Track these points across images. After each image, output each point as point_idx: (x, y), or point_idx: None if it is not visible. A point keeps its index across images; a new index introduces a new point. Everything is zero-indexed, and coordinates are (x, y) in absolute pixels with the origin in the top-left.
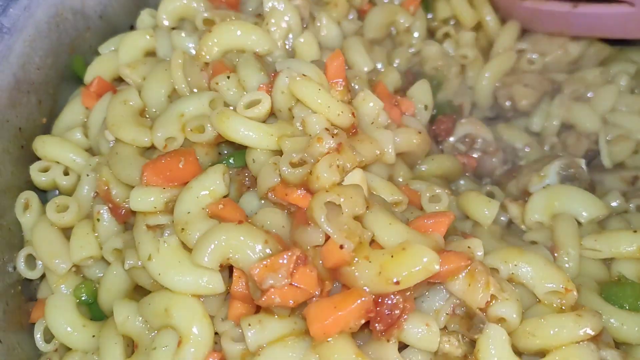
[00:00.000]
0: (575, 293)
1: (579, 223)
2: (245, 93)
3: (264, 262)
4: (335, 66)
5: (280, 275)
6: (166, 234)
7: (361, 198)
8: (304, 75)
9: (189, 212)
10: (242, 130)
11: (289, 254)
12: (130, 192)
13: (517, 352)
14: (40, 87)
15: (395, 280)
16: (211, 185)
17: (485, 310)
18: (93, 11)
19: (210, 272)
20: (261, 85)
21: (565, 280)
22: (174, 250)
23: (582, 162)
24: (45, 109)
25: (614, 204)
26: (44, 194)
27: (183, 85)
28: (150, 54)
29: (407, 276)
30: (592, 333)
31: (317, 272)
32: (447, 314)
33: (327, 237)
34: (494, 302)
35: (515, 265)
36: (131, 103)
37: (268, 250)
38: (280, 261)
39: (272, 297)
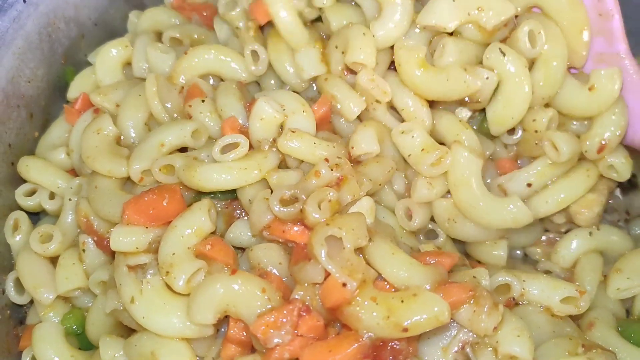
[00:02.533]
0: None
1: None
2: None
3: (266, 319)
4: (322, 113)
5: (284, 332)
6: (149, 275)
7: (363, 229)
8: (292, 131)
9: (174, 254)
10: (216, 177)
11: (291, 307)
12: (111, 232)
13: None
14: (32, 101)
15: (405, 326)
16: (196, 223)
17: (496, 347)
18: (87, 18)
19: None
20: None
21: (577, 285)
22: (158, 292)
23: (617, 191)
24: (37, 122)
25: (638, 231)
26: (35, 214)
27: (162, 114)
28: (130, 63)
29: (416, 323)
30: None
31: (323, 320)
32: (455, 351)
33: (328, 274)
34: (501, 331)
35: (524, 281)
36: (105, 132)
37: (266, 298)
38: (283, 319)
39: (282, 354)
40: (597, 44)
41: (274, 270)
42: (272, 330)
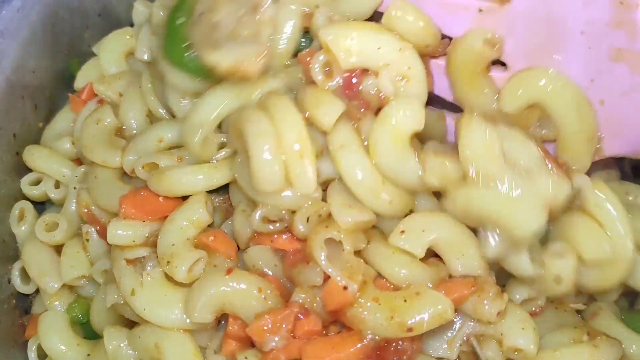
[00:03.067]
0: None
1: None
2: None
3: (262, 322)
4: None
5: (279, 338)
6: (149, 267)
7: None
8: None
9: (173, 245)
10: (185, 182)
11: (287, 312)
12: (108, 225)
13: None
14: (36, 91)
15: (409, 325)
16: (194, 215)
17: (501, 340)
18: (91, 9)
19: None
20: None
21: None
22: (159, 283)
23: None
24: (42, 113)
25: None
26: (41, 203)
27: (159, 109)
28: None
29: (421, 322)
30: None
31: (321, 321)
32: (459, 344)
33: (327, 276)
34: (504, 320)
35: None
36: (105, 123)
37: (263, 297)
38: (279, 324)
39: (278, 357)
40: (616, 38)
41: (270, 272)
42: (268, 334)
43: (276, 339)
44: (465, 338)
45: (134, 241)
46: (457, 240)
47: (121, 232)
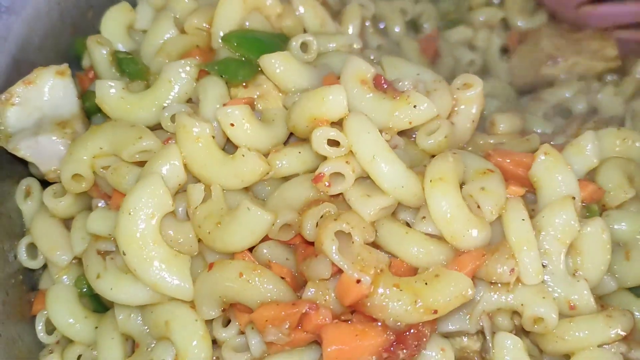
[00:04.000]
0: None
1: None
2: None
3: (265, 314)
4: None
5: (280, 335)
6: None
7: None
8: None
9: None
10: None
11: (295, 310)
12: (90, 214)
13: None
14: None
15: (434, 308)
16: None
17: (521, 311)
18: None
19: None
20: None
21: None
22: (122, 265)
23: None
24: None
25: None
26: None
27: None
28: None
29: (445, 304)
30: (623, 333)
31: (331, 313)
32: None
33: (336, 269)
34: (525, 294)
35: None
36: None
37: (248, 280)
38: (283, 320)
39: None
40: None
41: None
42: (269, 326)
43: (279, 334)
44: (484, 309)
45: (109, 234)
46: None
47: (100, 221)
